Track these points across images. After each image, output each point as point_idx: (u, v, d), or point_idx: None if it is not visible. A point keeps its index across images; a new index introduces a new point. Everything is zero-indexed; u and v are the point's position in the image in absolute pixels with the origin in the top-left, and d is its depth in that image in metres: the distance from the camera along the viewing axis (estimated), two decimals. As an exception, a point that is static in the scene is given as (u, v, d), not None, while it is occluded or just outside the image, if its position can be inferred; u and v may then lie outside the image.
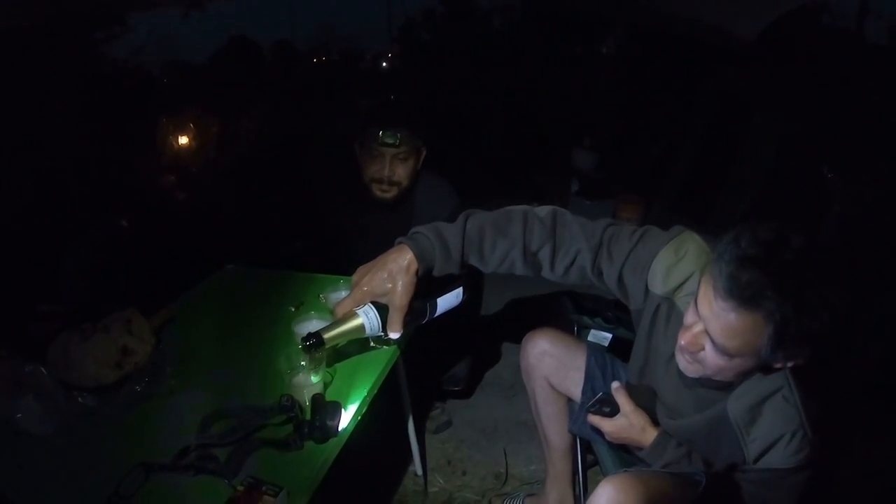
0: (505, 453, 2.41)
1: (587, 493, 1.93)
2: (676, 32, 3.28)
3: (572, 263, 1.46)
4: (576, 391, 1.83)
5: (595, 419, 1.57)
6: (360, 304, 1.40)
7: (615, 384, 1.57)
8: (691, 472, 1.39)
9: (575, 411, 1.82)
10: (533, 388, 1.93)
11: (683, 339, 1.24)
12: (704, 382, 1.34)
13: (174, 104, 3.99)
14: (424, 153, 2.19)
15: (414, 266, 1.39)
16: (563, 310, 2.12)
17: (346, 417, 1.35)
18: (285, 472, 1.20)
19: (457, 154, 2.97)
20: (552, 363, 1.86)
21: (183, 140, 3.84)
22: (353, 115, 2.16)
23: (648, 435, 1.50)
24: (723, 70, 3.36)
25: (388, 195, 2.14)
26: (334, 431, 1.30)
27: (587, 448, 1.92)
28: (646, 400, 1.54)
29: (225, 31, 4.54)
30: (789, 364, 1.20)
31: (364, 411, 1.41)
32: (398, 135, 2.06)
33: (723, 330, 1.15)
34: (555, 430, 1.93)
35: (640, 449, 1.54)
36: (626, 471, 1.40)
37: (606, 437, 1.59)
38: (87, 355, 1.36)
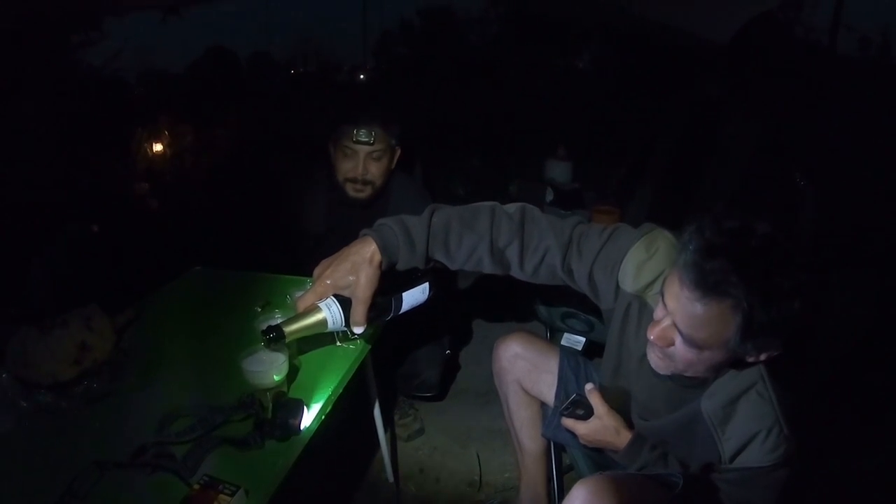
0: (479, 460, 2.38)
1: (562, 498, 1.89)
2: (652, 39, 3.31)
3: (541, 262, 1.44)
4: (549, 395, 1.81)
5: (569, 422, 1.55)
6: (323, 297, 1.37)
7: (589, 386, 1.55)
8: (667, 474, 1.37)
9: (548, 415, 1.81)
10: (505, 392, 1.91)
11: (652, 334, 1.23)
12: (677, 380, 1.33)
13: (150, 112, 3.95)
14: (399, 153, 2.18)
15: (377, 258, 1.37)
16: (537, 315, 2.11)
17: (310, 416, 1.32)
18: (245, 471, 1.16)
19: (431, 163, 2.96)
20: (525, 366, 1.84)
21: (157, 147, 3.81)
22: (328, 122, 2.15)
23: (623, 437, 1.49)
24: (696, 77, 3.40)
25: (362, 195, 2.13)
26: (296, 430, 1.27)
27: (561, 453, 1.90)
28: (620, 402, 1.53)
29: (202, 40, 4.53)
30: (762, 357, 1.18)
31: (328, 411, 1.38)
32: (373, 133, 2.06)
33: (690, 321, 1.14)
34: (528, 435, 1.91)
35: (615, 452, 1.52)
36: (601, 474, 1.38)
37: (580, 440, 1.57)
38: (45, 351, 1.32)
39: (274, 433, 1.24)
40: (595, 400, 1.52)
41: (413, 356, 2.31)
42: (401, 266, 1.42)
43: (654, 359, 1.29)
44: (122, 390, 1.39)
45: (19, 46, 2.99)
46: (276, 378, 1.34)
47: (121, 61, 3.91)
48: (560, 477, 1.90)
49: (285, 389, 1.35)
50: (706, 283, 1.09)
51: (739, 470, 1.27)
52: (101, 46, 3.67)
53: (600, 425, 1.51)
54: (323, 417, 1.35)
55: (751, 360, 1.20)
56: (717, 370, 1.26)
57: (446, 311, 2.34)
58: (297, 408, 1.29)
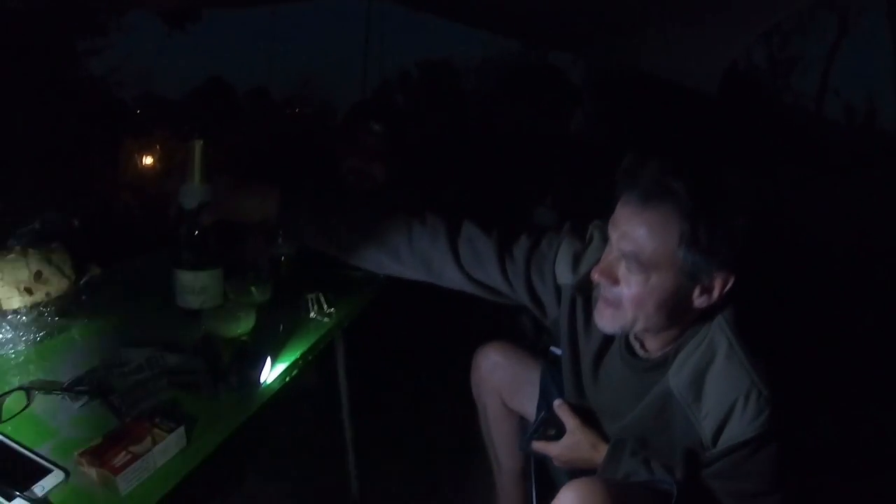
0: (453, 479, 2.21)
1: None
2: (642, 91, 3.38)
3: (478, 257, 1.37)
4: (530, 407, 1.69)
5: (540, 445, 1.43)
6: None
7: (557, 402, 1.44)
8: (657, 480, 1.25)
9: (528, 429, 1.68)
10: (484, 403, 1.79)
11: (597, 272, 1.15)
12: (637, 364, 1.25)
13: (142, 129, 3.94)
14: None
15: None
16: (522, 329, 2.02)
17: (273, 374, 1.20)
18: (194, 419, 1.04)
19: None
20: (505, 376, 1.73)
21: (147, 160, 3.76)
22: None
23: (600, 450, 1.36)
24: (682, 129, 3.44)
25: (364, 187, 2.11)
26: (256, 382, 1.15)
27: (541, 470, 1.76)
28: (591, 415, 1.42)
29: (203, 69, 4.58)
30: (715, 284, 1.09)
31: (293, 374, 1.26)
32: (381, 130, 2.11)
33: (634, 236, 1.08)
34: (506, 450, 1.78)
35: (594, 470, 1.40)
36: (590, 477, 1.26)
37: (555, 462, 1.45)
38: (-3, 272, 1.22)
39: (231, 381, 1.12)
40: (565, 415, 1.41)
41: (387, 371, 2.20)
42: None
43: (602, 313, 1.19)
44: (74, 328, 1.31)
45: (29, 44, 3.00)
46: (238, 330, 1.24)
47: (121, 74, 3.93)
48: (539, 496, 1.76)
49: (249, 341, 1.24)
50: (645, 189, 1.07)
51: (727, 455, 1.14)
52: (104, 56, 3.68)
53: (574, 441, 1.39)
54: (287, 379, 1.23)
55: (705, 293, 1.11)
56: (671, 313, 1.14)
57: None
58: (259, 360, 1.18)
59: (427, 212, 1.39)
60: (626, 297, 1.12)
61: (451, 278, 1.38)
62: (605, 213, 1.31)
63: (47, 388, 1.06)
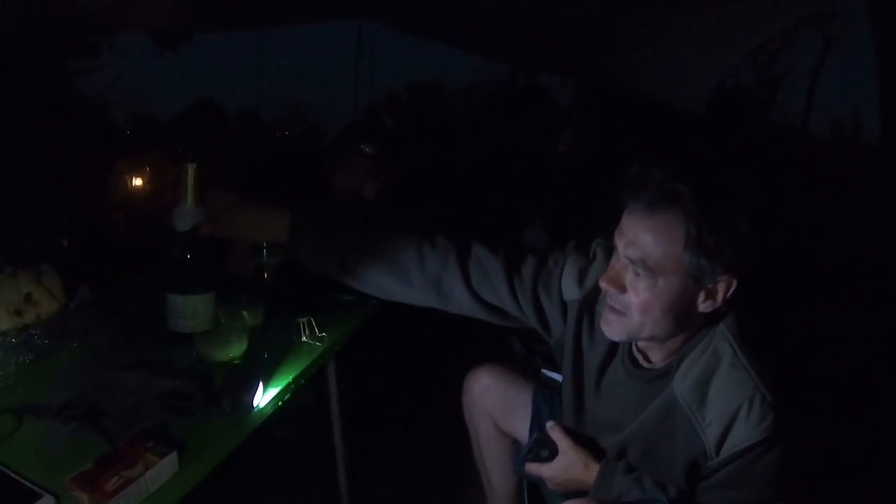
0: (446, 503, 2.19)
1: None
2: (630, 111, 3.43)
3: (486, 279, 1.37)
4: (522, 430, 1.69)
5: (533, 467, 1.43)
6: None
7: (550, 423, 1.44)
8: (649, 500, 1.25)
9: (521, 451, 1.68)
10: (476, 426, 1.78)
11: (605, 279, 1.17)
12: (642, 375, 1.26)
13: (133, 150, 3.94)
14: None
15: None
16: (513, 353, 2.02)
17: (265, 398, 1.20)
18: (185, 444, 1.03)
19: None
20: (497, 399, 1.72)
21: (138, 182, 3.75)
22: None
23: (592, 470, 1.36)
24: (670, 148, 3.48)
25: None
26: (248, 407, 1.14)
27: (534, 493, 1.75)
28: (586, 439, 1.42)
29: (194, 90, 4.59)
30: (719, 287, 1.11)
31: (286, 398, 1.26)
32: (373, 150, 2.13)
33: (642, 241, 1.11)
34: (499, 473, 1.77)
35: (588, 492, 1.39)
36: (586, 497, 1.28)
37: (549, 483, 1.44)
38: (-14, 294, 1.21)
39: (223, 406, 1.12)
40: (558, 435, 1.41)
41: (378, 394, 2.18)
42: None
43: (610, 321, 1.21)
44: (64, 351, 1.29)
45: (19, 64, 3.00)
46: (231, 354, 1.23)
47: (113, 95, 3.93)
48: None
49: (242, 365, 1.24)
50: (651, 195, 1.09)
51: (731, 462, 1.15)
52: (95, 76, 3.69)
53: (567, 461, 1.39)
54: (279, 403, 1.23)
55: (709, 298, 1.13)
56: (677, 318, 1.16)
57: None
58: (252, 385, 1.17)
59: (437, 233, 1.38)
60: (633, 304, 1.14)
61: (460, 301, 1.38)
62: (596, 230, 1.33)
63: (37, 411, 1.05)
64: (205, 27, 3.84)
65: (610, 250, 1.25)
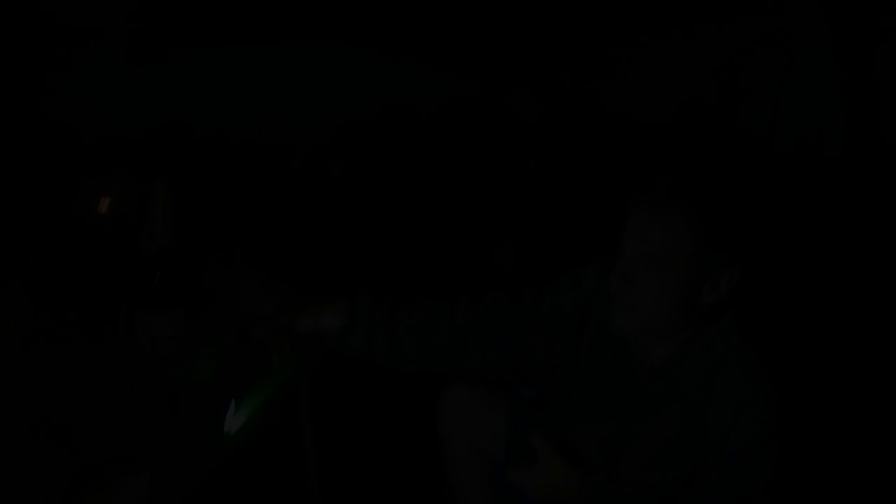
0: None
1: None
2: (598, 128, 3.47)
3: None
4: (497, 447, 1.68)
5: (514, 474, 1.42)
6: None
7: (532, 430, 1.44)
8: None
9: (498, 466, 1.67)
10: (451, 446, 1.77)
11: (617, 276, 1.18)
12: (644, 372, 1.25)
13: (99, 172, 3.88)
14: None
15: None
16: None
17: (236, 419, 1.18)
18: (155, 466, 1.00)
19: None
20: (471, 416, 1.72)
21: (105, 201, 3.69)
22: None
23: (574, 478, 1.36)
24: (637, 164, 3.54)
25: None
26: (219, 428, 1.13)
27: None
28: (569, 446, 1.42)
29: (164, 109, 4.53)
30: (723, 282, 1.13)
31: (258, 420, 1.24)
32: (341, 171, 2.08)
33: (648, 232, 1.13)
34: (474, 493, 1.75)
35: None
36: None
37: (529, 495, 1.43)
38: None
39: (194, 427, 1.10)
40: (537, 443, 1.40)
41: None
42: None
43: (618, 316, 1.21)
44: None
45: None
46: (201, 374, 1.22)
47: (81, 113, 3.86)
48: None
49: (212, 386, 1.22)
50: (658, 193, 1.13)
51: (732, 459, 1.15)
52: (59, 95, 3.63)
53: (547, 469, 1.38)
54: (251, 425, 1.21)
55: (713, 291, 1.14)
56: (683, 311, 1.17)
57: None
58: (223, 406, 1.16)
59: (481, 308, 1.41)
60: (641, 298, 1.15)
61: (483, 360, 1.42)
62: (564, 249, 1.34)
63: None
64: (177, 44, 3.82)
65: (604, 263, 1.28)
